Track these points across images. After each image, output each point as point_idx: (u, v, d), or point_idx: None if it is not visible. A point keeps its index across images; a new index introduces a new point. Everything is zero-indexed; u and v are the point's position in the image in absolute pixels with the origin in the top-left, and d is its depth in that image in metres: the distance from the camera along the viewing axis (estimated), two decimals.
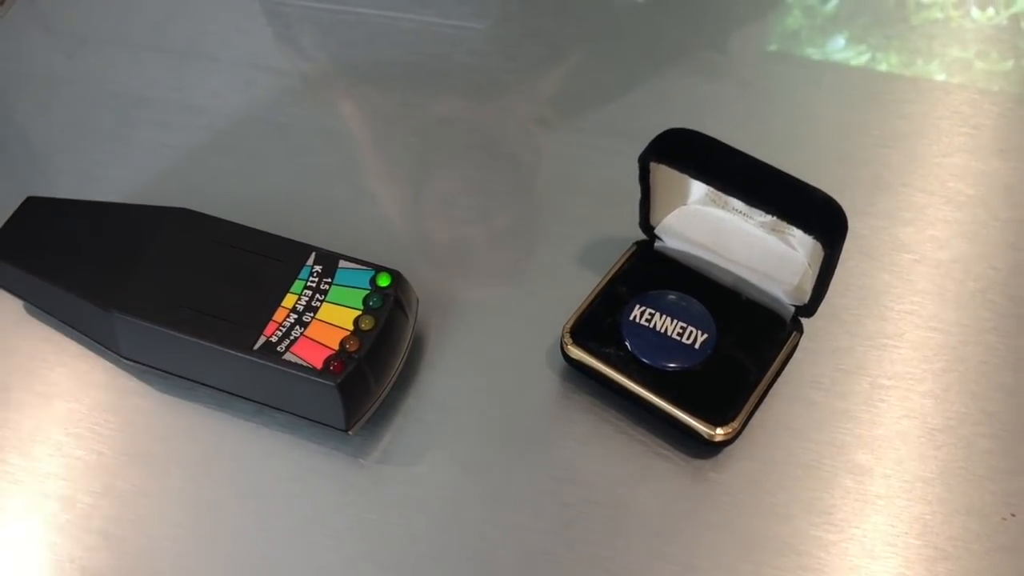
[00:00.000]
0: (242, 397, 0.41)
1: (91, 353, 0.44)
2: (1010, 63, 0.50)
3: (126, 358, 0.41)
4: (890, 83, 0.51)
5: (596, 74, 0.52)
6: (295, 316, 0.39)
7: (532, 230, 0.47)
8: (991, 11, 0.52)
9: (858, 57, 0.49)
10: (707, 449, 0.40)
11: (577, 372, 0.42)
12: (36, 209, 0.44)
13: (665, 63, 0.52)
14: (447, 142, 0.50)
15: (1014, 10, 0.52)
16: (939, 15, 0.52)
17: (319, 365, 0.38)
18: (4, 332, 0.44)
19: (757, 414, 0.40)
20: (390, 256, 0.43)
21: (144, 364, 0.41)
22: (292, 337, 0.39)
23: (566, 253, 0.46)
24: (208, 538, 0.39)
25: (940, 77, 0.51)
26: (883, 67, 0.49)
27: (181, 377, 0.41)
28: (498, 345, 0.43)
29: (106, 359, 0.43)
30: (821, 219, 0.37)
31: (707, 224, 0.42)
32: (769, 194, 0.37)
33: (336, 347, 0.38)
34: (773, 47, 0.54)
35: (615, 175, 0.47)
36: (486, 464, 0.40)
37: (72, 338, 0.44)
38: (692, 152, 0.38)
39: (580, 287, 0.44)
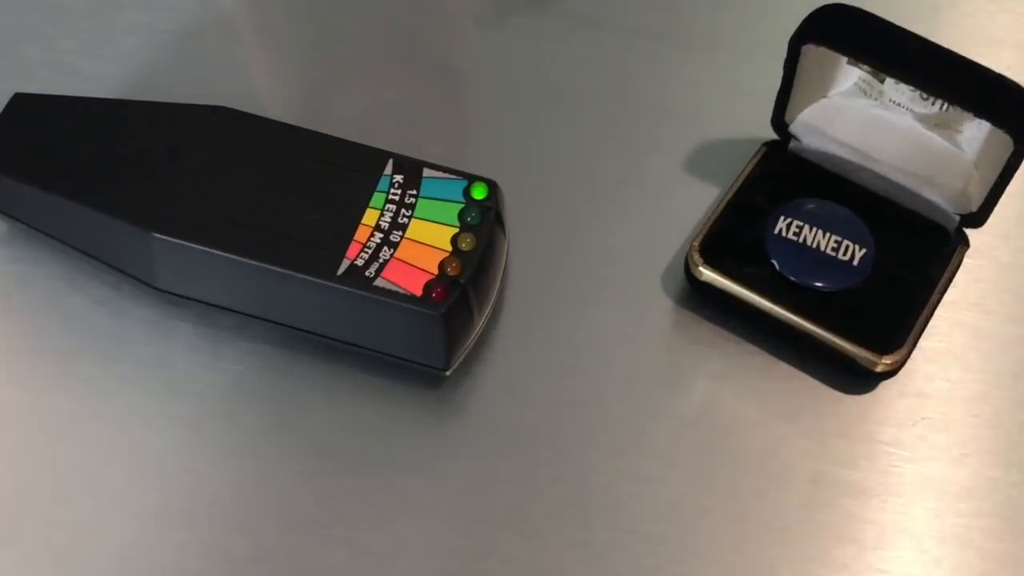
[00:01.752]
0: (311, 333, 0.42)
1: (111, 286, 0.44)
2: None
3: (164, 291, 0.42)
4: None
5: None
6: (380, 235, 0.41)
7: (627, 135, 0.49)
8: None
9: None
10: (864, 382, 0.43)
11: (703, 297, 0.44)
12: (28, 108, 0.44)
13: None
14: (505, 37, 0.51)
15: None
16: None
17: (419, 291, 0.39)
18: None
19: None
20: (459, 161, 0.44)
21: (187, 297, 0.42)
22: (381, 260, 0.40)
23: (668, 160, 0.48)
24: (281, 509, 0.40)
25: None
26: None
27: (233, 312, 0.42)
28: (600, 269, 0.45)
29: (129, 293, 0.44)
30: (1015, 110, 0.39)
31: (854, 119, 0.44)
32: (952, 80, 0.39)
33: (435, 271, 0.40)
34: None
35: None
36: (603, 409, 0.42)
37: (81, 269, 0.44)
38: (857, 32, 0.40)
39: (692, 199, 0.46)
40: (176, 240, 0.40)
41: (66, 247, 0.44)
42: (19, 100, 0.44)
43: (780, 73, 0.43)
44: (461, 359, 0.42)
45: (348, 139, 0.43)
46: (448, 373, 0.41)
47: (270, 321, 0.42)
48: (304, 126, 0.43)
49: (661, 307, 0.45)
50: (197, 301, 0.42)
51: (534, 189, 0.47)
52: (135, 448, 0.41)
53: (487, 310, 0.42)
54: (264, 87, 0.50)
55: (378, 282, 0.40)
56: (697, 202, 0.46)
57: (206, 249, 0.40)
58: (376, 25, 0.51)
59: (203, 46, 0.50)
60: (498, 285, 0.43)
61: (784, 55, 0.42)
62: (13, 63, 0.50)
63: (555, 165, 0.48)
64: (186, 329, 0.43)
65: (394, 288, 0.40)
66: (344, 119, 0.48)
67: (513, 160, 0.47)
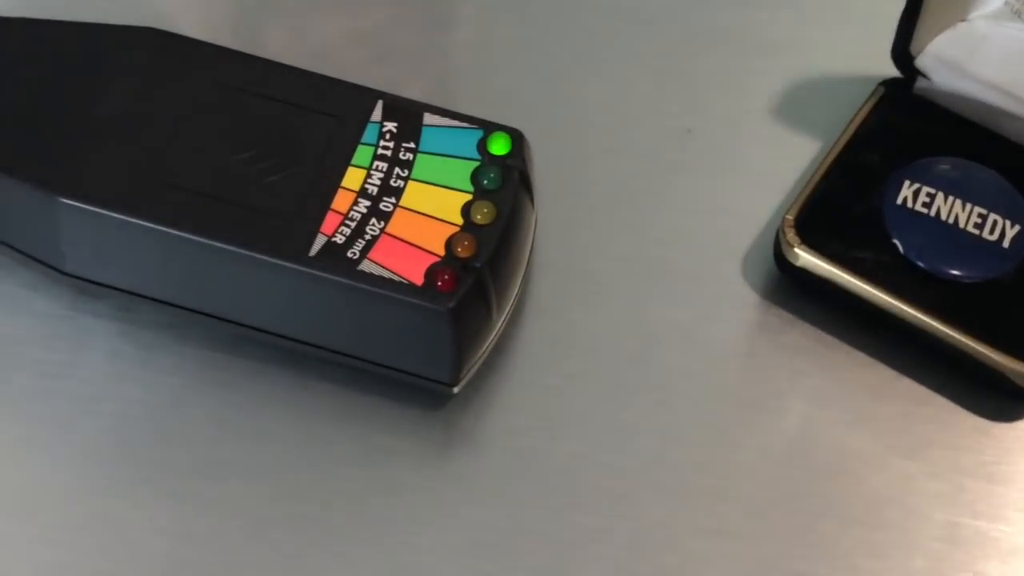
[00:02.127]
0: (271, 335, 0.42)
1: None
2: None
3: (74, 276, 0.42)
4: None
5: None
6: (367, 203, 0.41)
7: (695, 70, 0.49)
8: None
9: None
10: (1016, 405, 0.43)
11: (799, 289, 0.44)
12: None
13: None
14: None
15: None
16: None
17: (419, 279, 0.40)
18: None
19: None
20: (461, 107, 0.44)
21: (105, 285, 0.42)
22: (368, 236, 0.40)
23: (751, 104, 0.49)
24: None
25: None
26: None
27: (167, 305, 0.42)
28: (659, 250, 0.46)
29: (24, 280, 0.44)
30: None
31: (1002, 50, 0.45)
32: None
33: (441, 251, 0.40)
34: None
35: None
36: (663, 440, 0.43)
37: None
38: None
39: (784, 156, 0.47)
40: (91, 208, 0.40)
41: None
42: None
43: None
44: (473, 371, 0.42)
45: (319, 73, 0.43)
46: (456, 390, 0.42)
47: (216, 318, 0.42)
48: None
49: (742, 302, 0.45)
50: (118, 290, 0.42)
51: (567, 142, 0.47)
52: (30, 488, 0.41)
53: (508, 305, 0.42)
54: (198, 3, 0.50)
55: (364, 266, 0.40)
56: (791, 160, 0.47)
57: (131, 220, 0.40)
58: None
59: None
60: (523, 272, 0.43)
61: None
62: None
63: (595, 110, 0.48)
64: (103, 328, 0.44)
65: (385, 274, 0.40)
66: (302, 49, 0.48)
67: (536, 103, 0.48)
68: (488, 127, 0.42)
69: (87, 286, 0.43)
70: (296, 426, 0.43)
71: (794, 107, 0.48)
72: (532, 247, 0.44)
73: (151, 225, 0.40)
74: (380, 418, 0.43)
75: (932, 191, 0.43)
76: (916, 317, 0.42)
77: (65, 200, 0.40)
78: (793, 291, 0.44)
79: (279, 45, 0.49)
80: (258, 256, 0.40)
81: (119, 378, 0.43)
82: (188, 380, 0.43)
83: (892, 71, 0.46)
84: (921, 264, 0.43)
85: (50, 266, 0.42)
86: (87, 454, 0.42)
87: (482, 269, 0.40)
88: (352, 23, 0.50)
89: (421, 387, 0.42)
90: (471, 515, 0.41)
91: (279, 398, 0.43)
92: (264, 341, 0.42)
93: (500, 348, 0.43)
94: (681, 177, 0.47)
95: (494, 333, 0.42)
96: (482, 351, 0.42)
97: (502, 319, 0.42)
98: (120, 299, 0.43)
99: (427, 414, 0.43)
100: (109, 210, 0.40)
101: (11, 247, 0.43)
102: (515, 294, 0.43)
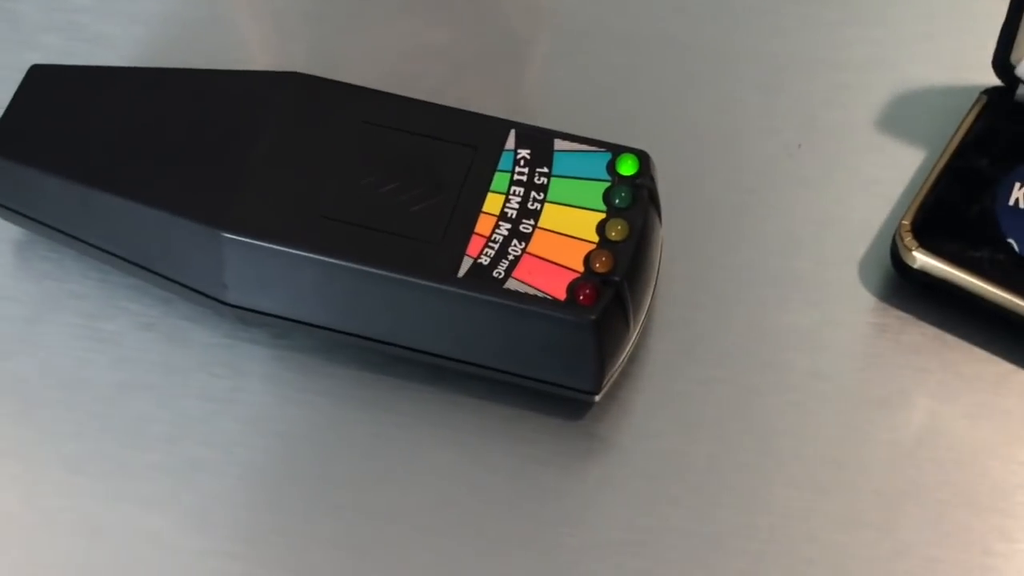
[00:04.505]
0: (421, 353, 0.44)
1: (161, 304, 0.46)
2: None
3: (235, 306, 0.44)
4: None
5: None
6: (507, 226, 0.42)
7: (799, 89, 0.50)
8: None
9: None
10: None
11: (917, 290, 0.45)
12: (50, 83, 0.46)
13: None
14: None
15: None
16: None
17: (561, 294, 0.41)
18: None
19: None
20: (591, 127, 0.45)
21: (263, 313, 0.44)
22: (511, 256, 0.42)
23: (857, 117, 0.49)
24: None
25: None
26: None
27: (321, 329, 0.44)
28: (778, 259, 0.47)
29: (185, 313, 0.46)
30: None
31: None
32: None
33: (580, 267, 0.42)
34: None
35: None
36: (795, 438, 0.44)
37: (122, 284, 0.46)
38: None
39: (895, 164, 0.48)
40: (253, 241, 0.42)
41: (101, 257, 0.45)
42: (37, 73, 0.47)
43: None
44: (612, 380, 0.43)
45: (458, 107, 0.45)
46: (598, 398, 0.43)
47: (368, 339, 0.44)
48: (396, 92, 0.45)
49: (862, 305, 0.46)
50: (275, 318, 0.44)
51: (681, 161, 0.48)
52: (203, 505, 0.43)
53: (643, 316, 0.44)
54: (338, 48, 0.51)
55: (509, 284, 0.41)
56: (896, 169, 0.48)
57: (291, 251, 0.42)
58: None
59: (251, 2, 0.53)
60: (654, 284, 0.45)
61: None
62: (7, 26, 0.52)
63: (703, 128, 0.49)
64: (260, 354, 0.45)
65: (530, 291, 0.41)
66: (418, 77, 0.50)
67: (647, 125, 0.49)
68: (616, 149, 0.43)
69: (244, 315, 0.44)
70: (445, 438, 0.44)
71: (894, 118, 0.49)
72: (659, 260, 0.46)
73: (310, 255, 0.42)
74: (523, 429, 0.44)
75: None
76: None
77: (228, 235, 0.42)
78: (909, 293, 0.45)
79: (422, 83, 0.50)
80: (410, 279, 0.41)
81: (279, 400, 0.45)
82: (342, 400, 0.45)
83: (984, 80, 0.47)
84: None
85: (212, 298, 0.44)
86: (254, 471, 0.44)
87: (620, 282, 0.41)
88: (459, 54, 0.51)
89: (563, 396, 0.43)
90: (619, 515, 0.43)
91: (427, 413, 0.44)
92: (412, 359, 0.44)
93: (633, 357, 0.44)
94: (795, 188, 0.48)
95: (631, 342, 0.43)
96: (621, 359, 0.43)
97: (637, 329, 0.44)
98: (274, 326, 0.45)
99: (567, 423, 0.44)
100: (269, 242, 0.42)
101: (175, 282, 0.44)
102: (648, 305, 0.44)
